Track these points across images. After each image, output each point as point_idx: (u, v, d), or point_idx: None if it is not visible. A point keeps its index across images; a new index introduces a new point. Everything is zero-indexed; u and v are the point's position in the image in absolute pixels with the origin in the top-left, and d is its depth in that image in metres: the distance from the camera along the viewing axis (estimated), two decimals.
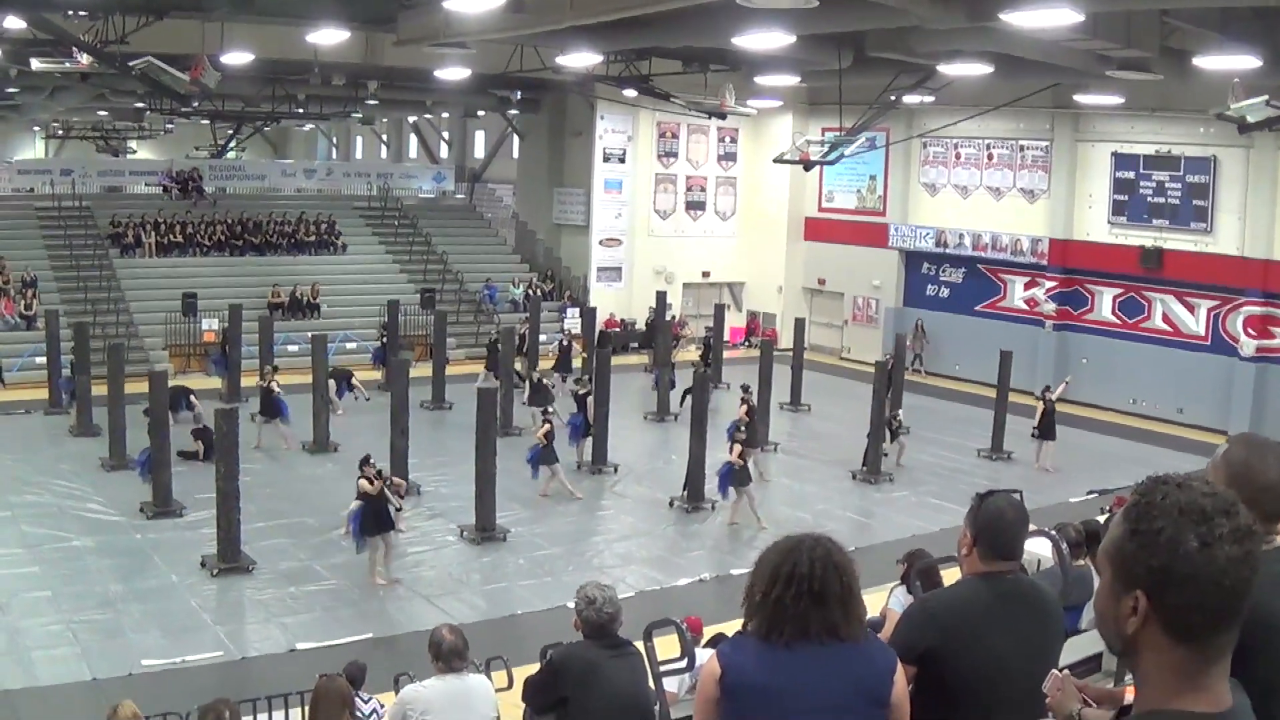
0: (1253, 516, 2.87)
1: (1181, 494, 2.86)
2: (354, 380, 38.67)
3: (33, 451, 32.87)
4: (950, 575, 7.06)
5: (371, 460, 24.19)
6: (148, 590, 22.94)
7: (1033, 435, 34.41)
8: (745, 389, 33.90)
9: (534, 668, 10.16)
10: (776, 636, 4.37)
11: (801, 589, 4.34)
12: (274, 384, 34.47)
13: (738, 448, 27.92)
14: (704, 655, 11.99)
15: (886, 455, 33.40)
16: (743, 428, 29.24)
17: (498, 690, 10.89)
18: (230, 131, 65.32)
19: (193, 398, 35.54)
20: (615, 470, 32.60)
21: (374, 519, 23.50)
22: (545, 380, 37.25)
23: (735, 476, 27.86)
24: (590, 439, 32.81)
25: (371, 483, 23.41)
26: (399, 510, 24.73)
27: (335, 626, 21.44)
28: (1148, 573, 2.82)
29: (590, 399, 32.96)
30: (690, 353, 48.08)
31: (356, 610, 22.38)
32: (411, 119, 71.62)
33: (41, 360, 39.32)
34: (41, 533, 25.97)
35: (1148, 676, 2.92)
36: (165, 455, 27.54)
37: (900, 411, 35.70)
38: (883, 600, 13.79)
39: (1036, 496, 26.73)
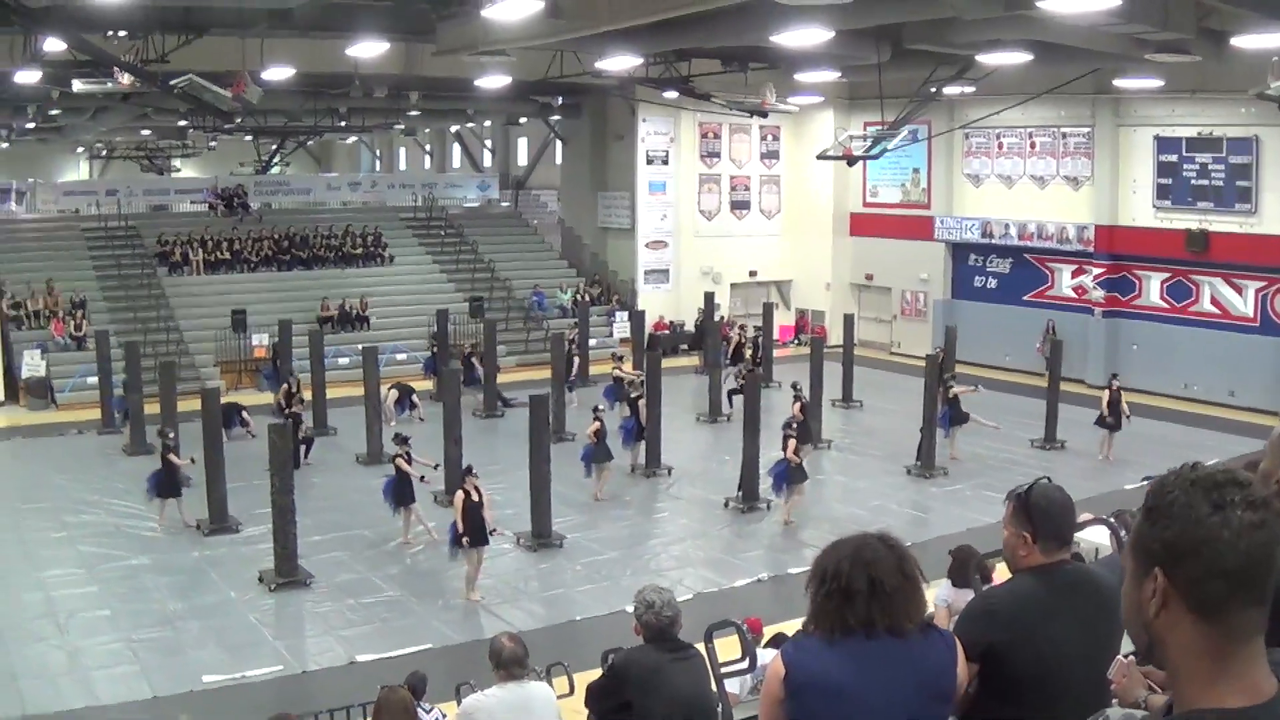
0: (1271, 492, 2.87)
1: (1194, 472, 2.88)
2: (415, 398, 38.80)
3: (87, 471, 33.08)
4: (1001, 568, 7.01)
5: (474, 471, 24.23)
6: (206, 607, 23.04)
7: (1103, 424, 34.12)
8: (796, 387, 33.73)
9: (595, 673, 10.15)
10: (839, 633, 4.37)
11: (861, 585, 4.34)
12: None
13: (793, 443, 27.87)
14: (765, 656, 11.98)
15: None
16: (794, 425, 29.17)
17: (559, 697, 10.89)
18: (274, 147, 65.65)
19: (245, 414, 35.77)
20: (669, 473, 32.56)
21: (472, 533, 23.43)
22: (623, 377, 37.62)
23: (791, 475, 27.84)
24: (643, 442, 32.81)
25: (469, 495, 23.36)
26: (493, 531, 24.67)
27: (395, 638, 21.48)
28: (1163, 547, 2.81)
29: (642, 402, 32.92)
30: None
31: (416, 621, 22.42)
32: (454, 128, 71.76)
33: (93, 380, 39.59)
34: (99, 552, 26.14)
35: (1178, 669, 2.88)
36: (220, 471, 27.60)
37: (953, 380, 35.40)
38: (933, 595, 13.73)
39: (1090, 484, 26.86)
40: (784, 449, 28.04)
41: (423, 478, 27.15)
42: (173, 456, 27.87)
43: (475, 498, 23.37)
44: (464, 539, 23.25)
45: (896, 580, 4.44)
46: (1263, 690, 2.82)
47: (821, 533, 26.45)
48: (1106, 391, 34.27)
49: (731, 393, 38.32)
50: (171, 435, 28.66)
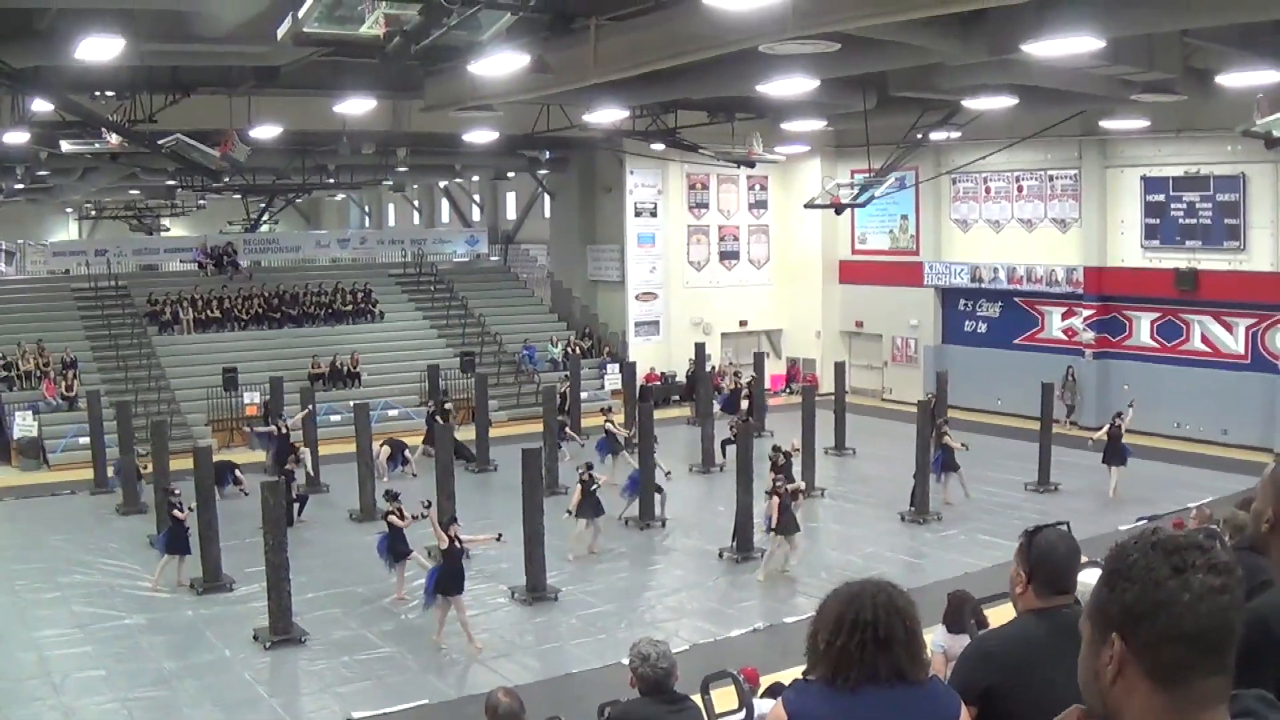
0: (1235, 558, 2.84)
1: (1156, 535, 2.86)
2: (407, 453, 38.85)
3: (81, 531, 32.97)
4: (995, 613, 7.03)
5: (458, 521, 24.29)
6: (201, 665, 22.92)
7: (1107, 459, 34.17)
8: (773, 454, 33.23)
9: None
10: (843, 682, 4.33)
11: (866, 636, 4.28)
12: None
13: (776, 501, 27.75)
14: (761, 705, 11.96)
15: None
16: (776, 482, 29.05)
17: None
18: (262, 205, 65.64)
19: (238, 472, 35.72)
20: (663, 524, 32.51)
21: (449, 579, 23.44)
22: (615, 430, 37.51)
23: (780, 526, 27.74)
24: (658, 495, 32.63)
25: (450, 542, 23.37)
26: (500, 538, 24.81)
27: (390, 694, 21.35)
28: (1121, 610, 2.79)
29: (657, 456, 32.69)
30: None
31: (411, 677, 22.30)
32: (442, 184, 71.87)
33: (85, 441, 39.49)
34: (93, 612, 26.00)
35: None
36: (214, 529, 27.54)
37: (946, 425, 35.37)
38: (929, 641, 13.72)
39: (1086, 526, 26.65)
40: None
41: (415, 516, 27.12)
42: (177, 512, 27.80)
43: (459, 545, 23.43)
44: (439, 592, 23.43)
45: (920, 628, 4.44)
46: None
47: (817, 581, 26.47)
48: (1107, 425, 34.30)
49: (725, 443, 38.24)
50: (177, 492, 28.58)
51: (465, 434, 40.11)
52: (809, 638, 4.44)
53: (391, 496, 27.28)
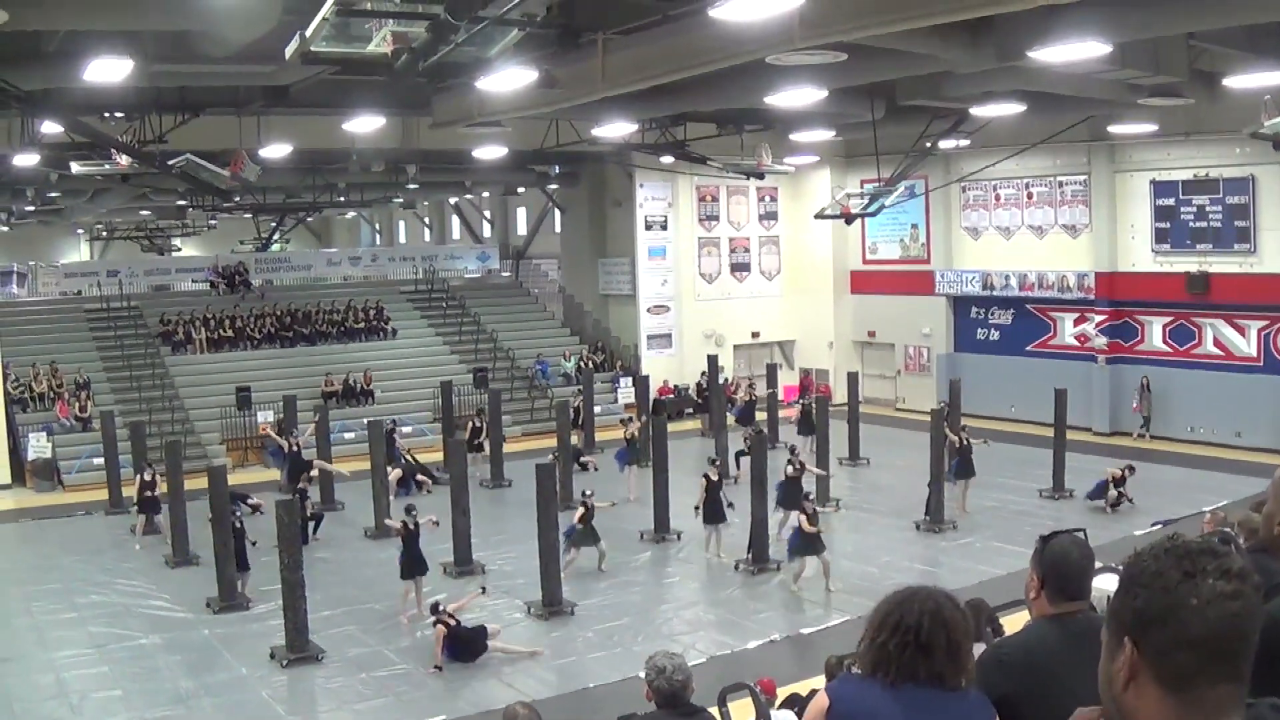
0: (1251, 564, 2.83)
1: (1172, 541, 2.85)
2: (420, 477, 38.80)
3: (96, 552, 32.98)
4: (1011, 620, 7.03)
5: (441, 608, 24.07)
6: (218, 684, 22.90)
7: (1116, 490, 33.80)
8: (793, 451, 33.48)
9: None
10: (883, 677, 4.41)
11: (908, 639, 4.38)
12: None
13: (804, 518, 27.55)
14: (779, 717, 11.94)
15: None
16: (808, 496, 28.88)
17: None
18: (274, 224, 65.71)
19: (248, 501, 35.09)
20: (678, 537, 32.43)
21: (465, 647, 23.48)
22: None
23: (803, 545, 27.59)
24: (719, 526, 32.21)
25: (448, 626, 23.36)
26: (484, 590, 24.62)
27: (408, 711, 21.36)
28: (1133, 615, 2.78)
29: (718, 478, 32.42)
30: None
31: (428, 693, 22.28)
32: (453, 200, 71.91)
33: (99, 461, 39.55)
34: (109, 632, 26.00)
35: None
36: (229, 549, 27.54)
37: (965, 432, 35.36)
38: None
39: (1101, 532, 26.64)
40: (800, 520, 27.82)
41: (436, 522, 27.14)
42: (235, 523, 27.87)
43: (460, 623, 23.42)
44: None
45: (965, 639, 4.47)
46: None
47: (834, 591, 26.47)
48: (1123, 474, 33.87)
49: (739, 454, 38.18)
50: (236, 512, 28.57)
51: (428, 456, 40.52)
52: (869, 634, 4.52)
53: (410, 512, 27.24)
